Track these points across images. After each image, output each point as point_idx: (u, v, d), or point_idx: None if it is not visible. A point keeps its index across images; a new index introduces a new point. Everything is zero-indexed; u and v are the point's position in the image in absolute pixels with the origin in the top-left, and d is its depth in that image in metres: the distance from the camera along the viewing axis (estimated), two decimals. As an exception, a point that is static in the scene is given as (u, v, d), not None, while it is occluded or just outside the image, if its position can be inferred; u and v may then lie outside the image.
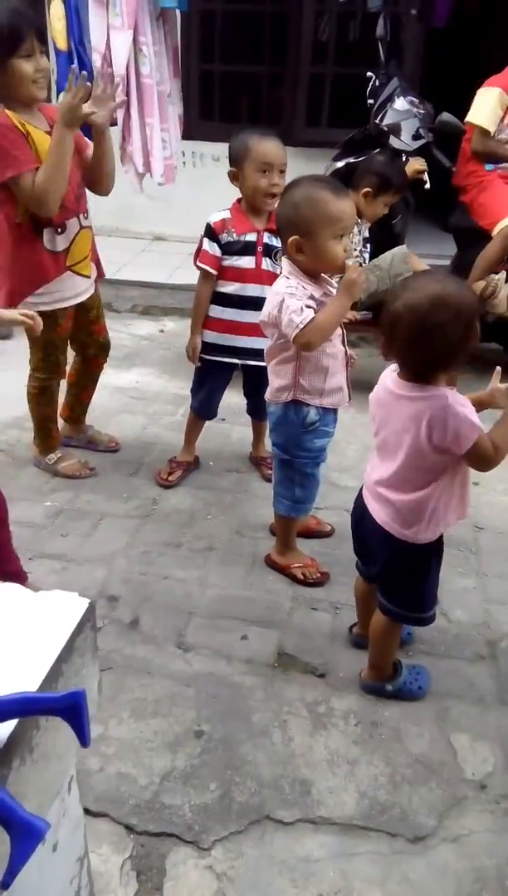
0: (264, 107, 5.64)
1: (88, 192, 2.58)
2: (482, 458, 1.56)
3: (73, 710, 0.70)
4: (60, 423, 2.99)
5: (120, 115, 3.47)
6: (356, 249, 3.05)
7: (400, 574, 1.78)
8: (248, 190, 2.44)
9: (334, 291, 2.04)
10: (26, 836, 0.61)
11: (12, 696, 0.70)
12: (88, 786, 1.65)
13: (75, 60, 3.51)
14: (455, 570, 2.40)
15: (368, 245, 3.28)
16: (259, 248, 2.50)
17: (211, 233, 2.51)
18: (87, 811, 1.41)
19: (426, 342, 1.51)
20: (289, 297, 1.94)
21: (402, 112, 3.54)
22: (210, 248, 2.52)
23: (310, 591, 2.31)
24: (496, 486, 2.86)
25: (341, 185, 1.97)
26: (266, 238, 2.49)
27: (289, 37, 5.20)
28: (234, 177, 2.46)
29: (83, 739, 0.71)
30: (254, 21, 5.28)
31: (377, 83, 3.70)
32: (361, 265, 3.07)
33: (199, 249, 2.56)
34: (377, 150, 3.51)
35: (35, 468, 2.90)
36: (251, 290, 2.52)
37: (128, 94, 3.45)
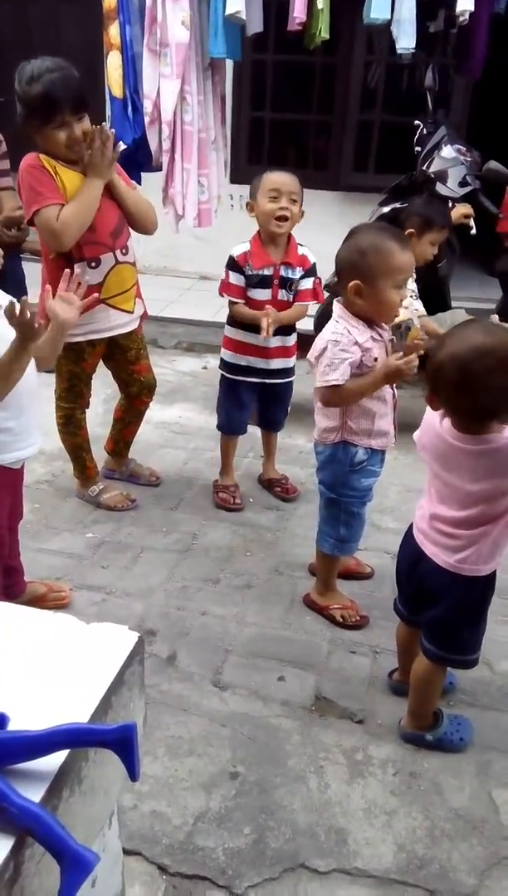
0: (312, 152, 5.77)
1: (134, 231, 2.64)
2: None
3: (123, 744, 0.70)
4: (105, 456, 3.04)
5: (165, 159, 3.60)
6: (411, 295, 3.05)
7: (457, 614, 1.74)
8: (261, 216, 2.58)
9: (382, 333, 2.05)
10: (77, 867, 0.61)
11: (64, 726, 0.70)
12: (122, 823, 1.61)
13: (130, 107, 3.65)
14: (500, 618, 2.34)
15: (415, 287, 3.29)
16: (275, 281, 2.62)
17: (235, 265, 2.66)
18: (121, 849, 1.39)
19: (469, 392, 1.50)
20: (332, 346, 1.97)
21: (449, 159, 3.58)
22: (236, 279, 2.66)
23: (349, 633, 2.28)
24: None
25: (404, 236, 2.02)
26: (282, 271, 2.61)
27: (337, 86, 5.34)
28: (250, 208, 2.62)
29: (133, 773, 0.71)
30: (304, 70, 5.43)
31: (425, 131, 3.74)
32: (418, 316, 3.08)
33: (224, 281, 2.70)
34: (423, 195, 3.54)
35: (78, 499, 2.94)
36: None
37: (173, 141, 3.57)
